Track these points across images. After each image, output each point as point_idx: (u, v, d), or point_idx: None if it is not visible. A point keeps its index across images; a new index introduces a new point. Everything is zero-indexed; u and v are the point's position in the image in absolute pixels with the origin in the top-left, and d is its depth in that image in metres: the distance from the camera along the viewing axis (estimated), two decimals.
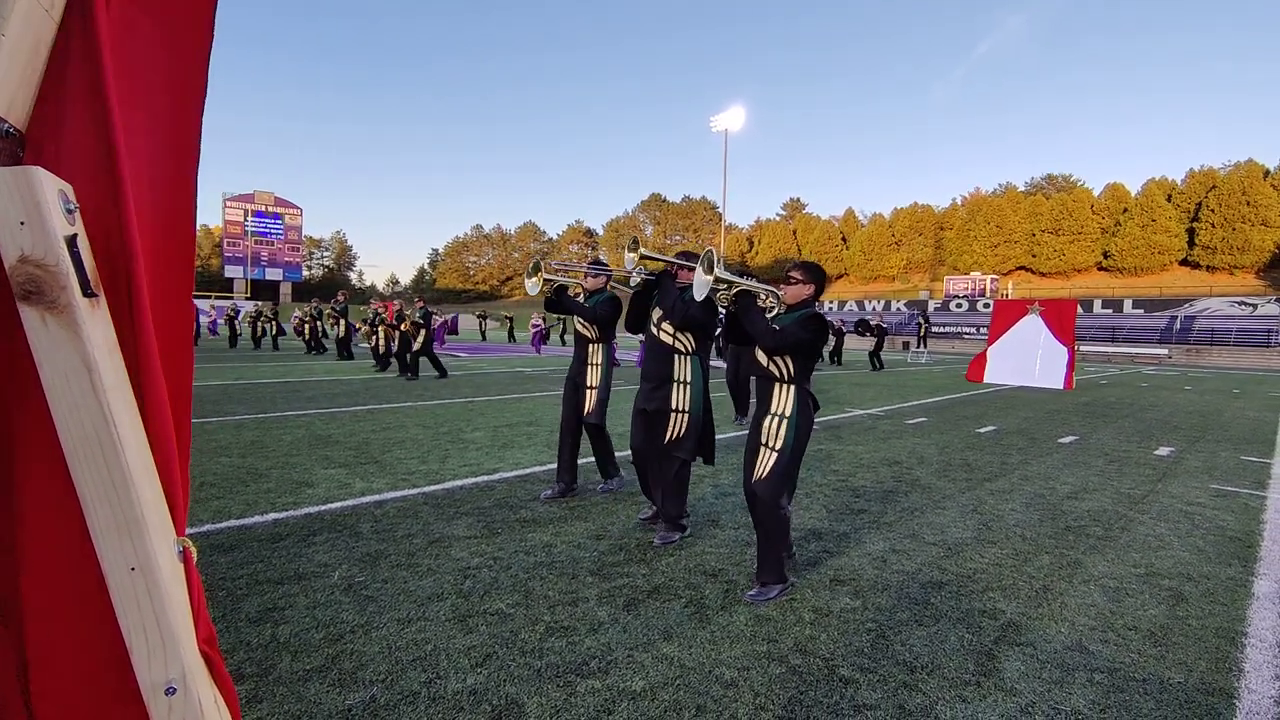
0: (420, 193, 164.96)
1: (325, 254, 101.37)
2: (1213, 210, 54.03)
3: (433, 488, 4.90)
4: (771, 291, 3.41)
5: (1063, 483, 5.84)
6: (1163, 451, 7.64)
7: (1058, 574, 3.65)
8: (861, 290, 67.66)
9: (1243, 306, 41.20)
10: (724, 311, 3.59)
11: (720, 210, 77.57)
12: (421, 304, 14.22)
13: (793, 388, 3.23)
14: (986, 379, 16.75)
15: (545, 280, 4.60)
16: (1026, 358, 16.27)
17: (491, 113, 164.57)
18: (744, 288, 3.28)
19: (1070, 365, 15.72)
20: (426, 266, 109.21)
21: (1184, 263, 56.30)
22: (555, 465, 5.41)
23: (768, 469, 3.21)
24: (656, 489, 4.13)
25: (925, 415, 10.03)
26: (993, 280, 55.27)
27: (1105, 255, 59.02)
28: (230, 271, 74.64)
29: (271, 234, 79.26)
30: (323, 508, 4.31)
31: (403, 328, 13.81)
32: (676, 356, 3.98)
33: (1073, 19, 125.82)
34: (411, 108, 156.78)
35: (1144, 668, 2.66)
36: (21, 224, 0.70)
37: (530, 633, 2.73)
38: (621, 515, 4.38)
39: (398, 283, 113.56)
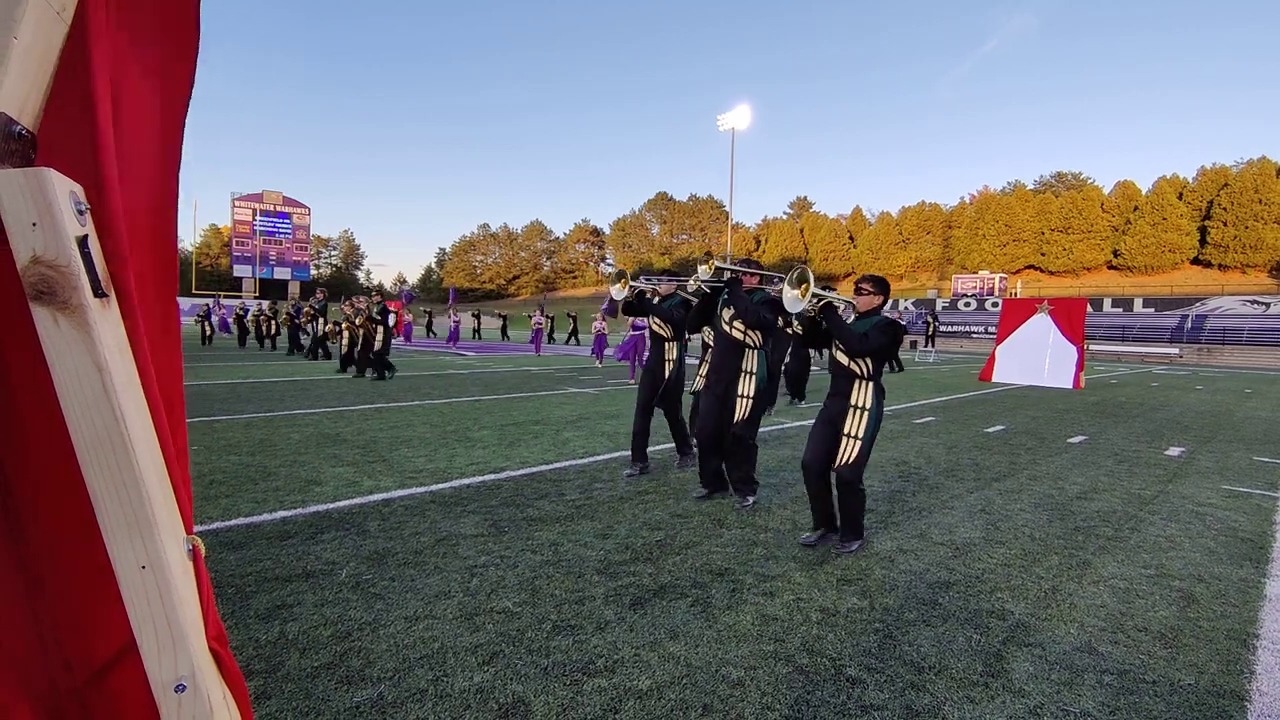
0: (427, 192, 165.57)
1: (333, 253, 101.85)
2: (1225, 208, 53.54)
3: (440, 486, 4.92)
4: (849, 302, 3.99)
5: (1072, 483, 5.81)
6: (1173, 452, 7.58)
7: (1067, 575, 3.63)
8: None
9: (1255, 305, 40.81)
10: (793, 317, 4.16)
11: (727, 209, 77.55)
12: (379, 299, 13.24)
13: (871, 384, 3.80)
14: (995, 378, 16.67)
15: (630, 286, 5.33)
16: (1035, 357, 16.18)
17: (498, 111, 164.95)
18: (829, 299, 3.89)
19: (1079, 364, 15.62)
20: (434, 265, 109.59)
21: (1195, 261, 55.82)
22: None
23: (853, 456, 3.76)
24: (712, 470, 4.84)
25: (933, 415, 9.99)
26: (1001, 279, 54.96)
27: (1115, 254, 58.60)
28: (239, 271, 75.16)
29: (279, 233, 79.72)
30: (331, 506, 4.34)
31: (358, 322, 13.05)
32: (746, 350, 4.71)
33: (1082, 13, 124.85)
34: (418, 107, 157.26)
35: (1154, 669, 2.64)
36: (34, 225, 0.71)
37: (537, 631, 2.74)
38: (628, 514, 4.39)
39: (405, 282, 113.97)
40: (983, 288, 54.13)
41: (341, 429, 7.11)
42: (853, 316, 3.96)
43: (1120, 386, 17.11)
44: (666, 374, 5.50)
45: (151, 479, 0.78)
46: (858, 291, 3.95)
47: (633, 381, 13.00)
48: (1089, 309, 19.82)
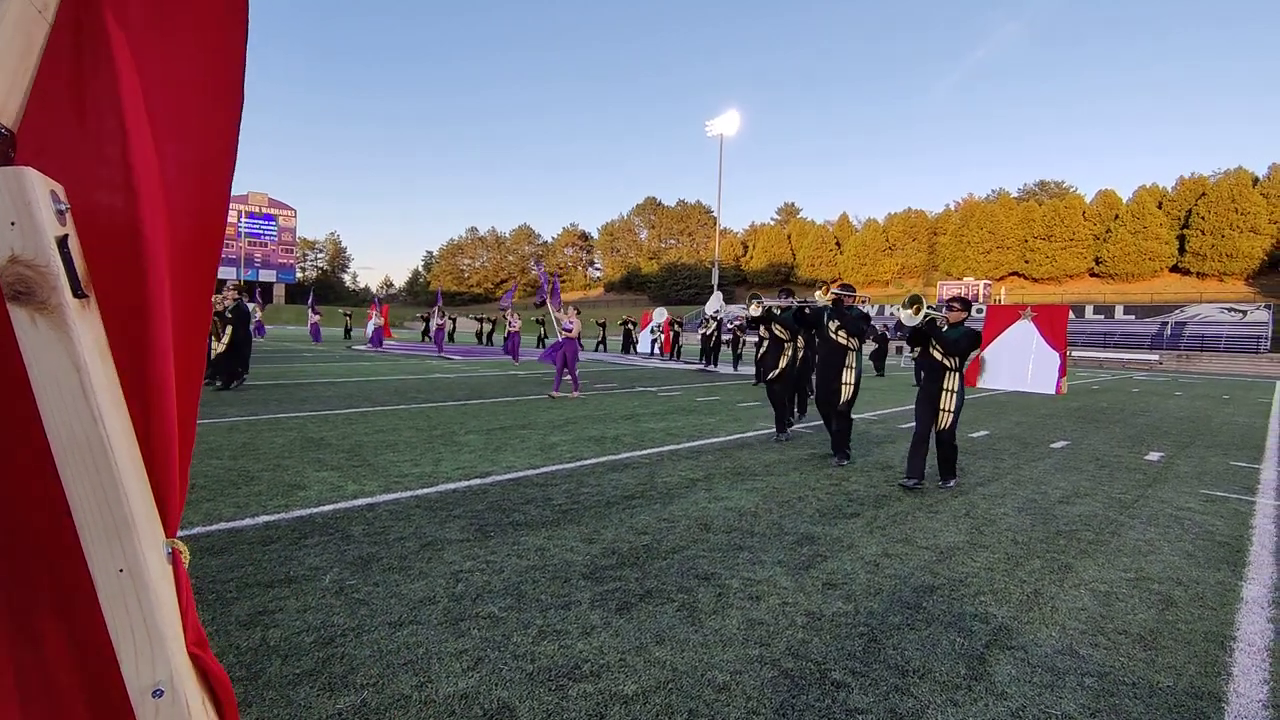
0: (415, 195, 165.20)
1: (319, 255, 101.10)
2: (1203, 217, 54.51)
3: (425, 490, 4.88)
4: (944, 318, 5.54)
5: (1054, 487, 5.87)
6: (1153, 456, 7.69)
7: (1049, 578, 3.66)
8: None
9: (1232, 313, 41.54)
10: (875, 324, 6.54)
11: (715, 214, 77.79)
12: (236, 295, 11.37)
13: (957, 374, 5.48)
14: (979, 383, 16.83)
15: (760, 305, 7.69)
16: (1018, 363, 16.36)
17: (487, 115, 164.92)
18: (933, 317, 5.52)
19: (1062, 370, 15.81)
20: (421, 269, 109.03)
21: (1174, 269, 56.78)
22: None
23: (948, 423, 5.51)
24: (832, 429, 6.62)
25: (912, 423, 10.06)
26: (985, 285, 55.52)
27: (1097, 261, 59.45)
28: (223, 273, 74.23)
29: (265, 235, 79.04)
30: (314, 510, 4.29)
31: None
32: (847, 352, 6.47)
33: (1067, 26, 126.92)
34: (408, 109, 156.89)
35: (1134, 672, 2.68)
36: (12, 224, 0.70)
37: (522, 636, 2.73)
38: (614, 519, 4.38)
39: (391, 285, 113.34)
40: (967, 294, 54.57)
41: (326, 433, 7.04)
42: (945, 326, 5.50)
43: (1101, 392, 17.34)
44: (782, 364, 7.62)
45: (130, 481, 0.77)
46: (948, 308, 5.55)
47: (574, 394, 11.38)
48: (1071, 316, 20.09)
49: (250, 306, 12.94)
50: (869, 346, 22.78)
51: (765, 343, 8.26)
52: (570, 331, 11.56)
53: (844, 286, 6.60)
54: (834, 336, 6.52)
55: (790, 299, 7.87)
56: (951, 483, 5.66)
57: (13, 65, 0.72)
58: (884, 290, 68.40)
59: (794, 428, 7.99)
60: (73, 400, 0.73)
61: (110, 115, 0.78)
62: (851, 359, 6.45)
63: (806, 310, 7.38)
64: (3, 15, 0.69)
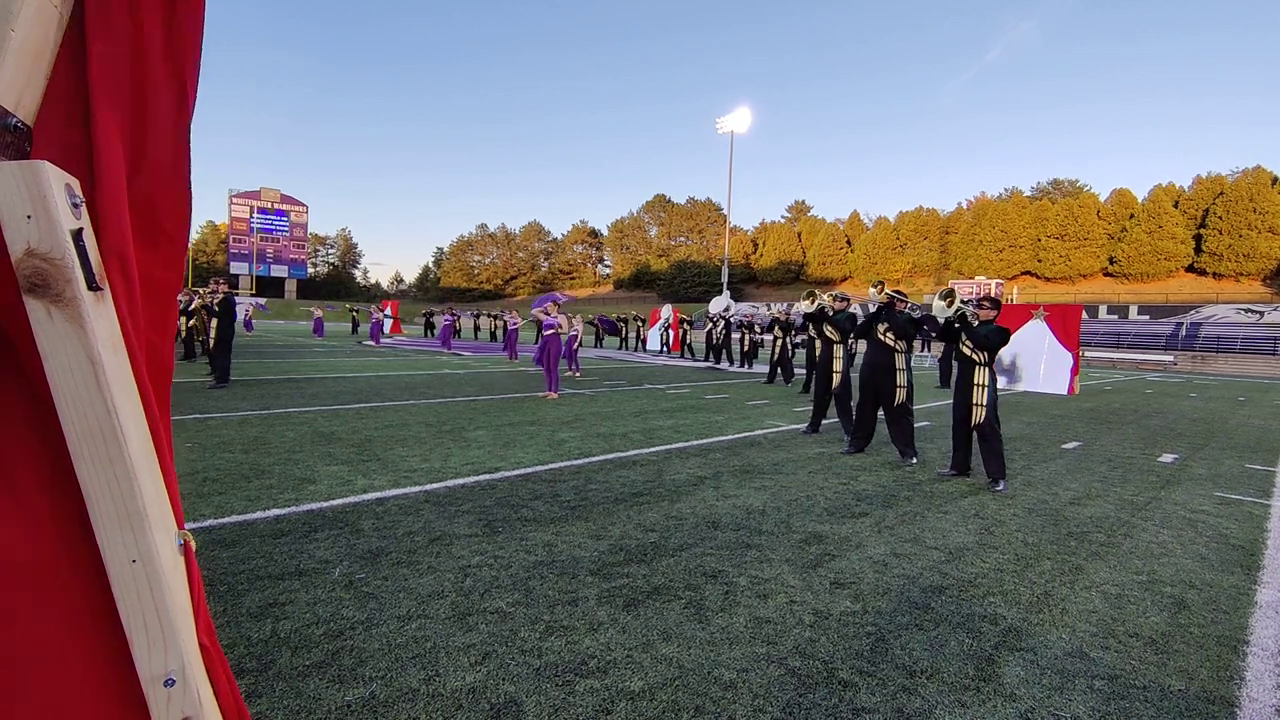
0: (426, 191, 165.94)
1: (330, 251, 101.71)
2: (1220, 217, 53.78)
3: (434, 486, 4.91)
4: (975, 314, 5.94)
5: (1065, 488, 5.82)
6: (1167, 458, 7.61)
7: (1059, 580, 3.64)
8: (865, 294, 67.52)
9: (1249, 314, 40.98)
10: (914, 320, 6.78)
11: (725, 212, 77.59)
12: (225, 288, 11.21)
13: (988, 368, 5.77)
14: None
15: (815, 303, 7.88)
16: (1031, 362, 16.23)
17: (497, 112, 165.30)
18: (964, 311, 5.97)
19: (1074, 371, 15.67)
20: (431, 265, 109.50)
21: (1190, 269, 56.06)
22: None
23: (984, 417, 5.70)
24: (861, 435, 6.91)
25: (928, 419, 10.01)
26: (998, 285, 55.07)
27: (1111, 261, 58.81)
28: (235, 268, 74.95)
29: (277, 231, 79.56)
30: (324, 504, 4.33)
31: (192, 310, 11.39)
32: (895, 354, 6.71)
33: (1081, 24, 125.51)
34: (418, 107, 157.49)
35: (1145, 675, 2.65)
36: (28, 217, 0.71)
37: (530, 632, 2.74)
38: (622, 516, 4.38)
39: (402, 281, 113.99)
40: (979, 293, 54.18)
41: (336, 427, 7.09)
42: (976, 323, 5.86)
43: (1114, 393, 17.17)
44: (837, 368, 7.76)
45: (143, 473, 0.78)
46: (979, 306, 5.96)
47: (551, 393, 10.74)
48: (1084, 315, 19.90)
49: (240, 303, 12.83)
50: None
51: (810, 344, 8.43)
52: (554, 329, 10.84)
53: (898, 292, 6.94)
54: (882, 338, 6.77)
55: (846, 300, 8.10)
56: (1001, 484, 5.58)
57: (31, 60, 0.73)
58: (894, 289, 67.86)
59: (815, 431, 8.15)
60: (87, 392, 0.74)
61: (81, 102, 0.79)
62: (900, 360, 6.71)
63: (917, 316, 7.05)
64: (22, 9, 0.70)
